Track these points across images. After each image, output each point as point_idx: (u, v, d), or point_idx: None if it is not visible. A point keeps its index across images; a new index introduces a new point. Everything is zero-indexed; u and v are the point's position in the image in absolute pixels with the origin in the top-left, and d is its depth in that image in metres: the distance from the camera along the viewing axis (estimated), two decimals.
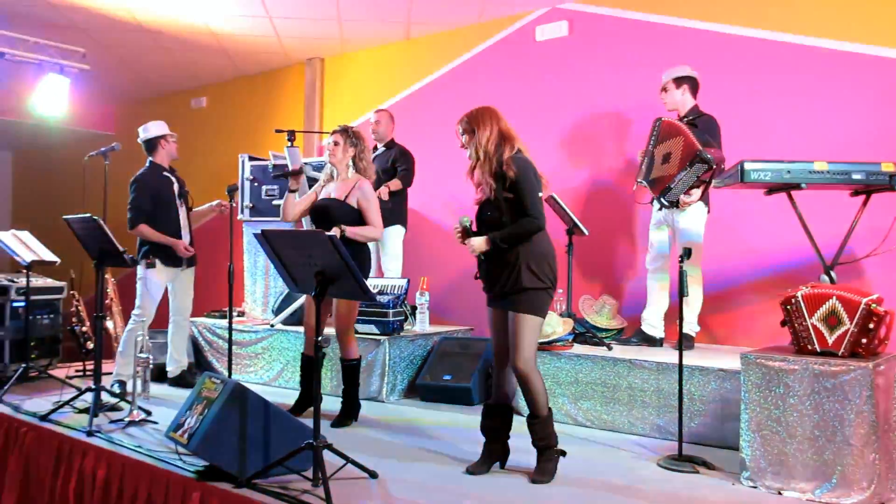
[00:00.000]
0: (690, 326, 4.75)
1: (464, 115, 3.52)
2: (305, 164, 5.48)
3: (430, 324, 5.75)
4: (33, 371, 5.42)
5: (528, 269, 3.32)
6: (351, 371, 4.45)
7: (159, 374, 5.61)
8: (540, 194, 3.39)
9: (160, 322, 5.46)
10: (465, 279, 6.58)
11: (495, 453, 3.48)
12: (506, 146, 3.40)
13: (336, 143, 4.41)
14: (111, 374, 5.60)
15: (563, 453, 3.41)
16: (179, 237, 5.18)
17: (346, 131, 4.45)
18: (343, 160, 4.42)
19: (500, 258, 3.36)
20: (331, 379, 5.32)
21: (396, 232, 6.01)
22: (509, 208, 3.34)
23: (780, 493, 3.16)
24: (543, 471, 3.32)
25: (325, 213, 4.38)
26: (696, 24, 5.49)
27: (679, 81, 4.84)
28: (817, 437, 3.11)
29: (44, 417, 4.28)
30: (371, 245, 6.10)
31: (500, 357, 3.51)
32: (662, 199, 4.50)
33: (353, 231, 4.27)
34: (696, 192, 4.50)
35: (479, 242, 3.38)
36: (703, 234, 4.72)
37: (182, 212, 5.22)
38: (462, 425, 4.43)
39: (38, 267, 5.52)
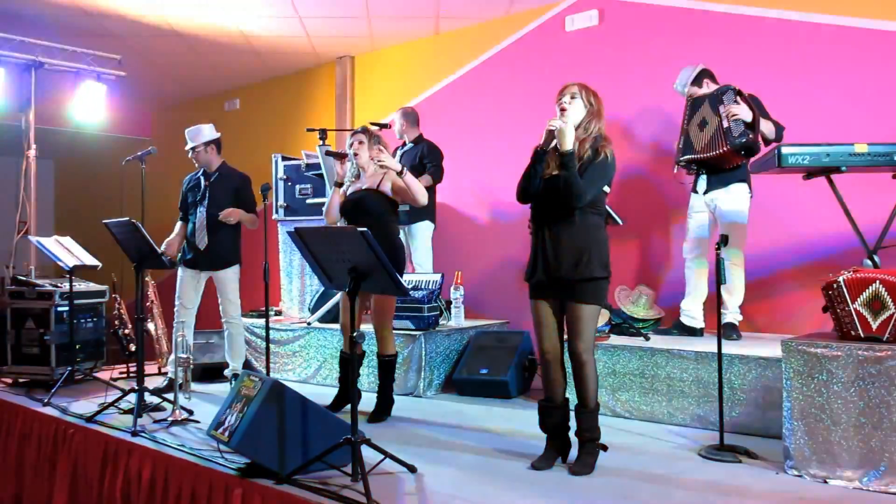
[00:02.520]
0: (733, 315, 4.62)
1: (589, 88, 3.41)
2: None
3: (466, 318, 5.75)
4: (79, 374, 5.54)
5: (598, 257, 3.31)
6: (387, 367, 4.48)
7: (205, 374, 5.75)
8: (606, 188, 3.41)
9: (215, 322, 5.58)
10: (498, 272, 6.59)
11: (557, 448, 3.44)
12: (605, 140, 3.38)
13: (361, 143, 4.48)
14: (154, 374, 5.73)
15: (605, 448, 3.37)
16: (193, 238, 5.27)
17: (366, 131, 4.55)
18: (367, 158, 4.47)
19: (567, 241, 3.30)
20: (367, 375, 5.35)
21: (425, 227, 6.03)
22: None
23: (825, 482, 3.10)
24: (584, 464, 3.29)
25: (359, 204, 4.39)
26: (729, 8, 5.40)
27: (698, 80, 4.75)
28: (863, 424, 3.04)
29: (90, 419, 4.36)
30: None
31: (554, 351, 3.42)
32: (738, 142, 4.31)
33: (410, 178, 4.30)
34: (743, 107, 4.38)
35: (571, 134, 3.26)
36: (748, 215, 4.56)
37: (201, 215, 5.26)
38: (499, 418, 4.43)
39: (81, 271, 5.64)
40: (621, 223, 5.11)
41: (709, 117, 4.48)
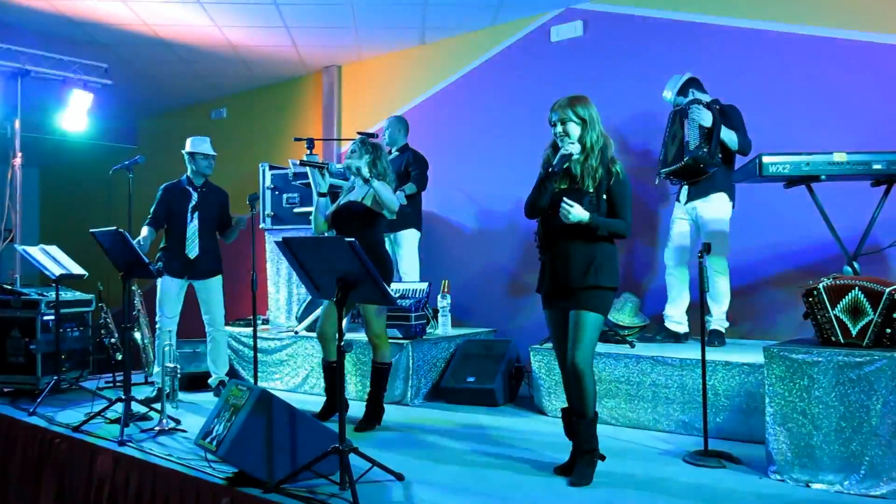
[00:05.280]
0: (719, 322, 4.71)
1: (573, 101, 3.35)
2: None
3: (453, 326, 5.77)
4: (65, 383, 5.50)
5: (606, 268, 3.29)
6: (381, 374, 4.50)
7: (193, 382, 5.74)
8: None
9: (201, 332, 5.57)
10: (486, 281, 6.62)
11: None
12: (609, 147, 3.39)
13: (353, 151, 4.53)
14: (141, 384, 5.70)
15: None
16: (183, 248, 5.31)
17: (363, 141, 4.58)
18: (359, 166, 4.49)
19: (575, 253, 3.29)
20: (356, 384, 5.37)
21: (412, 235, 6.06)
22: (604, 208, 3.31)
23: (807, 486, 3.15)
24: (582, 474, 3.26)
25: (343, 214, 4.47)
26: (711, 19, 5.48)
27: (683, 90, 4.81)
28: (843, 428, 3.09)
29: (76, 428, 4.36)
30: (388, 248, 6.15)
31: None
32: (693, 154, 4.47)
33: (377, 185, 4.31)
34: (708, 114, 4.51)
35: (581, 211, 3.20)
36: (729, 225, 4.68)
37: (193, 225, 5.32)
38: (486, 427, 4.46)
39: (67, 280, 5.62)
40: None
41: (678, 131, 4.61)
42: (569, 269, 3.29)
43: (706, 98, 4.76)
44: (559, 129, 3.34)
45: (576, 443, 3.34)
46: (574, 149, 3.30)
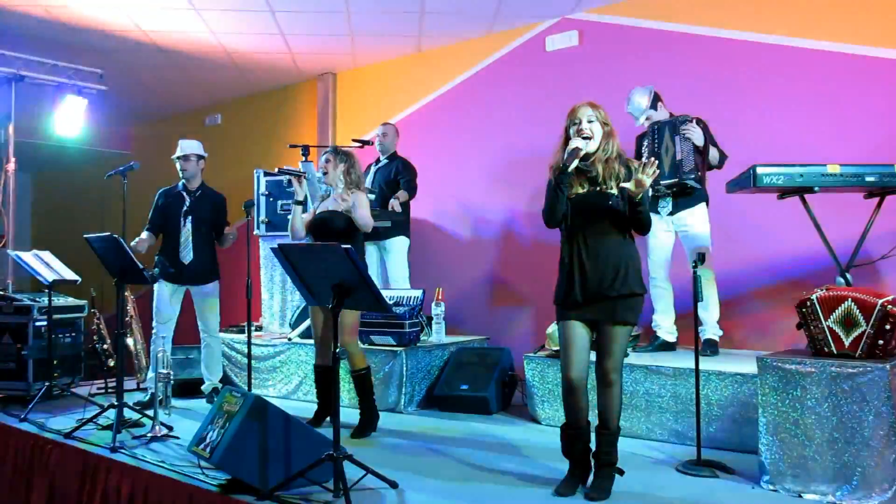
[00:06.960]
0: (713, 331, 4.73)
1: (597, 106, 3.33)
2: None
3: (446, 334, 5.77)
4: (57, 389, 5.48)
5: (635, 272, 3.23)
6: (360, 381, 4.50)
7: (183, 389, 5.71)
8: None
9: (194, 338, 5.55)
10: (479, 289, 6.63)
11: (580, 474, 3.31)
12: (623, 153, 3.38)
13: (328, 161, 4.60)
14: (133, 390, 5.67)
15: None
16: (177, 253, 5.28)
17: (335, 150, 4.67)
18: (334, 177, 4.59)
19: (609, 255, 3.20)
20: (349, 391, 5.35)
21: (401, 242, 6.08)
22: (625, 207, 3.23)
23: (800, 496, 3.16)
24: (602, 489, 3.16)
25: (322, 225, 4.52)
26: (706, 30, 5.51)
27: (654, 103, 4.88)
28: (836, 439, 3.11)
29: (68, 435, 4.33)
30: (376, 256, 6.16)
31: (582, 377, 3.25)
32: (686, 178, 4.58)
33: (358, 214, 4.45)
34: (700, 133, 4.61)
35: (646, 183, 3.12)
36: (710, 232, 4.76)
37: (186, 230, 5.30)
38: (480, 434, 4.46)
39: (60, 286, 5.60)
40: None
41: (669, 145, 4.67)
42: (603, 274, 3.19)
43: (665, 113, 4.87)
44: (585, 125, 3.25)
45: (597, 455, 3.26)
46: (582, 144, 3.22)
